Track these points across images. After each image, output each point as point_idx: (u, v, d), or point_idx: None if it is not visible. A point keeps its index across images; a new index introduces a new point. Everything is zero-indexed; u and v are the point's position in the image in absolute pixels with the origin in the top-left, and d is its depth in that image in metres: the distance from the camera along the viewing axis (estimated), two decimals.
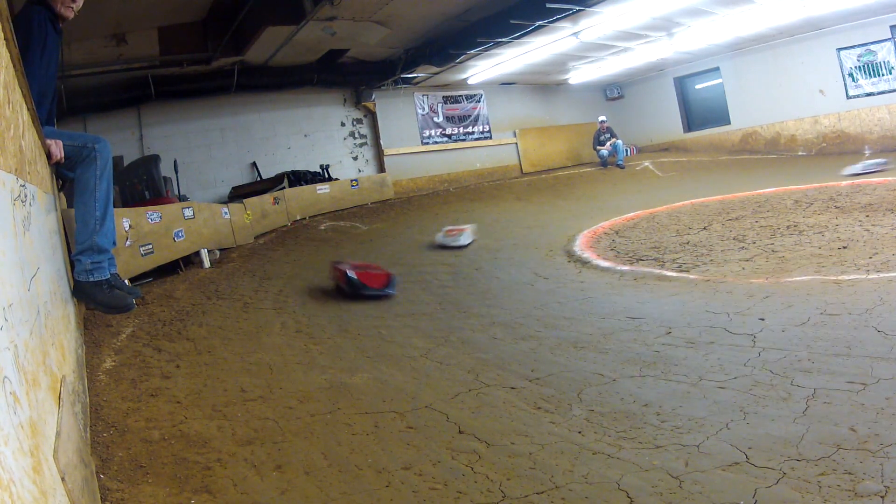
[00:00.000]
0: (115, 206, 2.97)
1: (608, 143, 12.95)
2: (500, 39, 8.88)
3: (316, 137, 11.13)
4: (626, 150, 13.42)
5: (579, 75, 13.51)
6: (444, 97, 12.88)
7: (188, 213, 6.00)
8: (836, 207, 5.88)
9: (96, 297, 2.76)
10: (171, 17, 7.58)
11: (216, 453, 2.21)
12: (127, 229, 4.69)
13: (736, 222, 5.98)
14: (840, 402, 2.10)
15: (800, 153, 12.11)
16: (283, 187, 9.36)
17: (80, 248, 2.71)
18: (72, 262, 2.78)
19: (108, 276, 2.79)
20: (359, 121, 11.74)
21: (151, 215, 5.22)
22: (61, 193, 3.35)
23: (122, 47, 7.42)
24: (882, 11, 10.28)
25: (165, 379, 2.99)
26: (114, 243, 2.87)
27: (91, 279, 2.72)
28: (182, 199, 7.56)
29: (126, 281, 3.57)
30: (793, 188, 7.50)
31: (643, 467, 1.91)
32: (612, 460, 1.99)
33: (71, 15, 2.85)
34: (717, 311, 3.35)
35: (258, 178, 10.05)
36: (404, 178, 11.99)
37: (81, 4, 2.90)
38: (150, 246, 5.06)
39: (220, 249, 6.71)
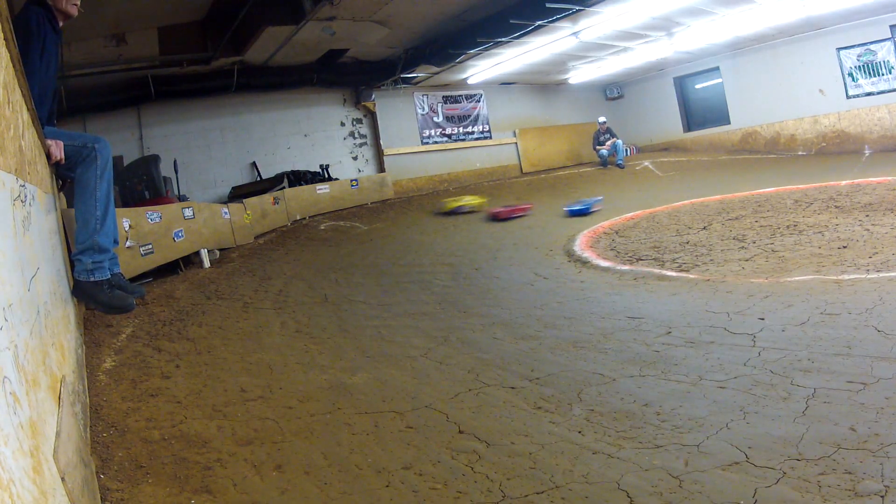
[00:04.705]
0: (114, 206, 2.97)
1: (608, 143, 12.95)
2: (499, 39, 8.88)
3: (316, 137, 11.13)
4: (626, 150, 13.42)
5: (579, 75, 13.50)
6: (443, 97, 12.88)
7: (188, 213, 6.00)
8: (836, 207, 5.88)
9: (96, 297, 2.75)
10: (170, 17, 7.58)
11: (216, 453, 2.21)
12: (127, 229, 4.69)
13: (736, 222, 5.98)
14: (840, 401, 2.10)
15: (800, 153, 12.11)
16: (283, 187, 9.36)
17: (81, 248, 2.71)
18: (72, 262, 2.78)
19: (109, 276, 2.79)
20: (359, 121, 11.74)
21: (151, 215, 5.21)
22: (61, 193, 3.35)
23: (122, 47, 7.43)
24: (882, 11, 10.29)
25: (165, 379, 2.99)
26: (115, 242, 2.87)
27: (91, 279, 2.72)
28: (182, 199, 7.56)
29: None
30: (793, 188, 7.50)
31: (643, 467, 1.91)
32: (612, 460, 1.99)
33: (75, 12, 2.85)
34: (717, 311, 3.35)
35: (258, 178, 10.05)
36: (404, 177, 11.99)
37: None
38: (150, 246, 5.06)
39: (220, 249, 6.71)
